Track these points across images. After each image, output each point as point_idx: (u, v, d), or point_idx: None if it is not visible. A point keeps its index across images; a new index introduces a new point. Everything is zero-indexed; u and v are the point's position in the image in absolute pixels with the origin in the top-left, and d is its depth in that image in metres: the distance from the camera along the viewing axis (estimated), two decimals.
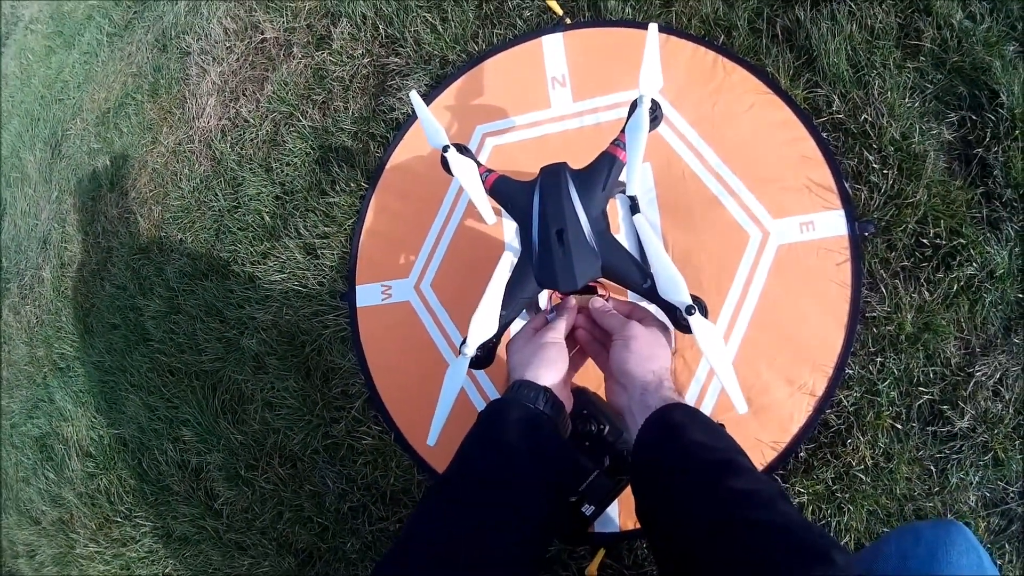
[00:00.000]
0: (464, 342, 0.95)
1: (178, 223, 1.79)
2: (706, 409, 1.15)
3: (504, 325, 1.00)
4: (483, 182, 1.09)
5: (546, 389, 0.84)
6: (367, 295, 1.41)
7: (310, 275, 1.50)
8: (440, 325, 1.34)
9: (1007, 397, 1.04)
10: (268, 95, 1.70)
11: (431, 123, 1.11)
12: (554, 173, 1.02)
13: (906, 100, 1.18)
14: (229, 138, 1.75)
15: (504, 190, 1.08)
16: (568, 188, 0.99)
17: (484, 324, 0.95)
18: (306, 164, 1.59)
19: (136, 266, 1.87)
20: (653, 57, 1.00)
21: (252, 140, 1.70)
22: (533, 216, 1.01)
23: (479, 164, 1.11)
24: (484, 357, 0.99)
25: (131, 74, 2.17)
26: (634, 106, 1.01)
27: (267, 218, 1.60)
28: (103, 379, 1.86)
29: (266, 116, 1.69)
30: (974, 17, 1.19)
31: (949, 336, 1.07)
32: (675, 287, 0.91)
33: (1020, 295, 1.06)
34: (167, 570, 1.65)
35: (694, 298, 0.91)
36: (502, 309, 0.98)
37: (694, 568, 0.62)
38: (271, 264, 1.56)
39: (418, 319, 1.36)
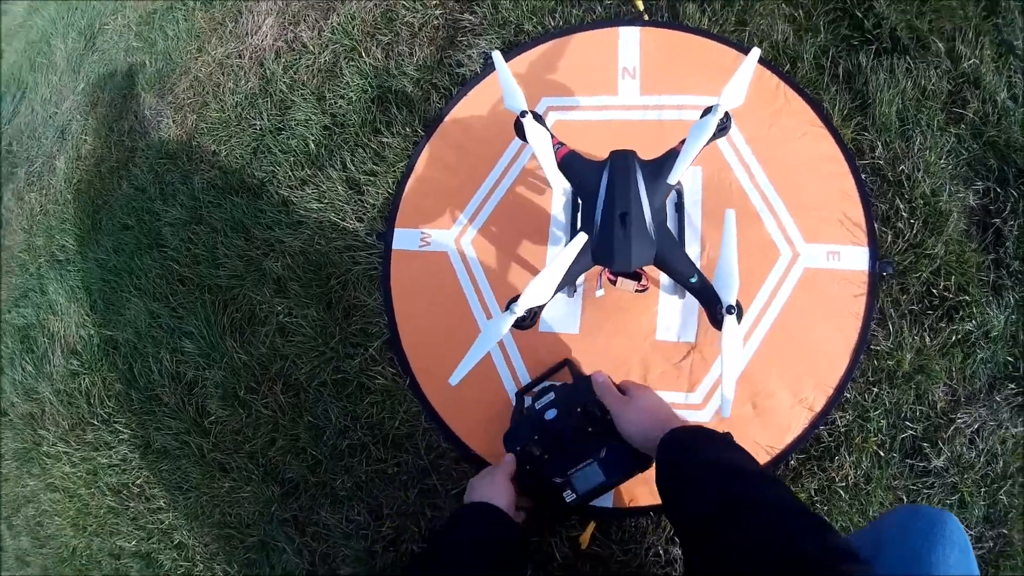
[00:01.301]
0: (515, 300, 0.97)
1: (214, 135, 1.77)
2: (716, 402, 1.21)
3: (553, 295, 1.02)
4: (555, 153, 1.11)
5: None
6: (405, 239, 1.42)
7: (349, 209, 1.50)
8: (475, 281, 1.35)
9: (981, 447, 1.12)
10: (332, 25, 1.69)
11: (512, 86, 1.13)
12: (624, 158, 1.05)
13: (942, 161, 1.26)
14: (283, 60, 1.74)
15: (574, 165, 1.10)
16: (636, 175, 1.03)
17: (540, 291, 0.98)
18: (362, 101, 1.59)
19: (160, 170, 1.84)
20: (745, 77, 1.03)
21: (308, 67, 1.69)
22: (600, 195, 1.03)
23: (552, 135, 1.13)
24: (529, 319, 1.02)
25: None
26: (707, 111, 1.04)
27: (312, 145, 1.59)
28: (105, 278, 1.83)
29: (327, 46, 1.68)
30: (1016, 98, 1.28)
31: (940, 381, 1.15)
32: (729, 285, 0.96)
33: (1010, 358, 1.15)
34: (138, 480, 1.63)
35: (736, 303, 0.95)
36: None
37: (712, 539, 0.73)
38: (309, 191, 1.56)
39: (453, 272, 1.37)
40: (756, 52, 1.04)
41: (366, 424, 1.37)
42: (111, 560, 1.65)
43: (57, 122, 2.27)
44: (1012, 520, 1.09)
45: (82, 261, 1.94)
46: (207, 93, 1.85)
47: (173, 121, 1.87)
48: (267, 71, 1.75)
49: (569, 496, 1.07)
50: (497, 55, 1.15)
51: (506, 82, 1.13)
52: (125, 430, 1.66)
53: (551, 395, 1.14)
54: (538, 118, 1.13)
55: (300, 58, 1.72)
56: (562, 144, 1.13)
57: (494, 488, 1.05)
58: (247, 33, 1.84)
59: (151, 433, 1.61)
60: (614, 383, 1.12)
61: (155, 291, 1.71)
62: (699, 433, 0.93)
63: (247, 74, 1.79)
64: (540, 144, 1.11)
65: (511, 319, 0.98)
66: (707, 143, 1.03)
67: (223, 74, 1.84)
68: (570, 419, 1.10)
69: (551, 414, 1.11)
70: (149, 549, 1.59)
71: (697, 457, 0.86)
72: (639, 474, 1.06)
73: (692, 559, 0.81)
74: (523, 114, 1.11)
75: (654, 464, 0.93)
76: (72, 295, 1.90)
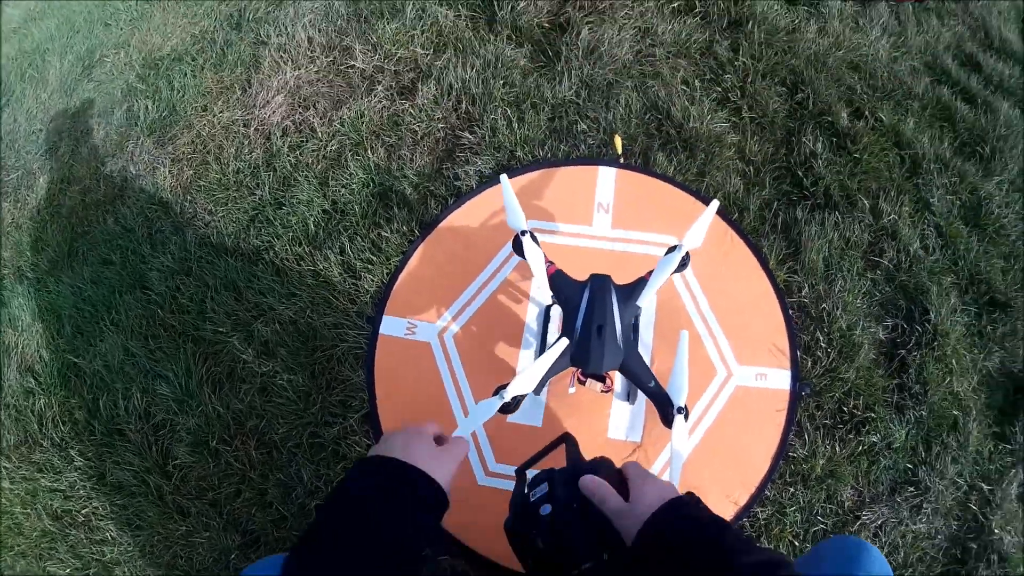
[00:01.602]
0: (504, 387, 1.17)
1: (211, 195, 1.90)
2: None
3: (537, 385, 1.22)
4: (545, 269, 1.34)
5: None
6: (392, 326, 1.60)
7: (343, 290, 1.66)
8: (453, 372, 1.54)
9: (883, 540, 1.35)
10: (342, 117, 1.87)
11: (515, 207, 1.34)
12: (603, 280, 1.28)
13: (858, 301, 1.56)
14: (290, 139, 1.90)
15: (560, 281, 1.33)
16: (611, 295, 1.26)
17: (527, 381, 1.18)
18: (363, 194, 1.77)
19: (151, 215, 1.94)
20: (705, 224, 1.29)
21: (314, 151, 1.86)
22: (581, 308, 1.26)
23: (544, 254, 1.35)
24: (513, 406, 1.21)
25: (193, 34, 2.28)
26: (671, 249, 1.30)
27: (312, 225, 1.75)
28: (80, 306, 1.88)
29: (334, 135, 1.86)
30: (928, 249, 1.61)
31: (847, 484, 1.40)
32: (681, 391, 1.20)
33: (909, 465, 1.40)
34: (84, 510, 1.64)
35: (684, 406, 1.20)
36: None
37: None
38: (306, 267, 1.70)
39: (434, 361, 1.55)
40: (715, 204, 1.30)
41: None
42: None
43: (42, 140, 2.32)
44: None
45: (54, 284, 1.98)
46: (208, 153, 1.97)
47: (170, 172, 1.98)
48: (273, 146, 1.90)
49: (545, 509, 0.98)
50: (505, 180, 1.37)
51: (510, 204, 1.34)
52: (79, 458, 1.69)
53: (544, 487, 1.00)
54: (534, 238, 1.35)
55: (307, 141, 1.88)
56: (552, 263, 1.35)
57: (439, 463, 0.86)
58: (256, 105, 1.99)
59: (108, 466, 1.65)
60: (615, 469, 0.99)
61: (134, 329, 1.78)
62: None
63: (252, 144, 1.94)
64: (535, 260, 1.32)
65: (499, 403, 1.16)
66: (670, 275, 1.28)
67: (227, 138, 1.98)
68: (567, 515, 0.95)
69: (546, 510, 0.98)
70: None
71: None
72: None
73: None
74: (523, 233, 1.33)
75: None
76: (39, 315, 1.94)
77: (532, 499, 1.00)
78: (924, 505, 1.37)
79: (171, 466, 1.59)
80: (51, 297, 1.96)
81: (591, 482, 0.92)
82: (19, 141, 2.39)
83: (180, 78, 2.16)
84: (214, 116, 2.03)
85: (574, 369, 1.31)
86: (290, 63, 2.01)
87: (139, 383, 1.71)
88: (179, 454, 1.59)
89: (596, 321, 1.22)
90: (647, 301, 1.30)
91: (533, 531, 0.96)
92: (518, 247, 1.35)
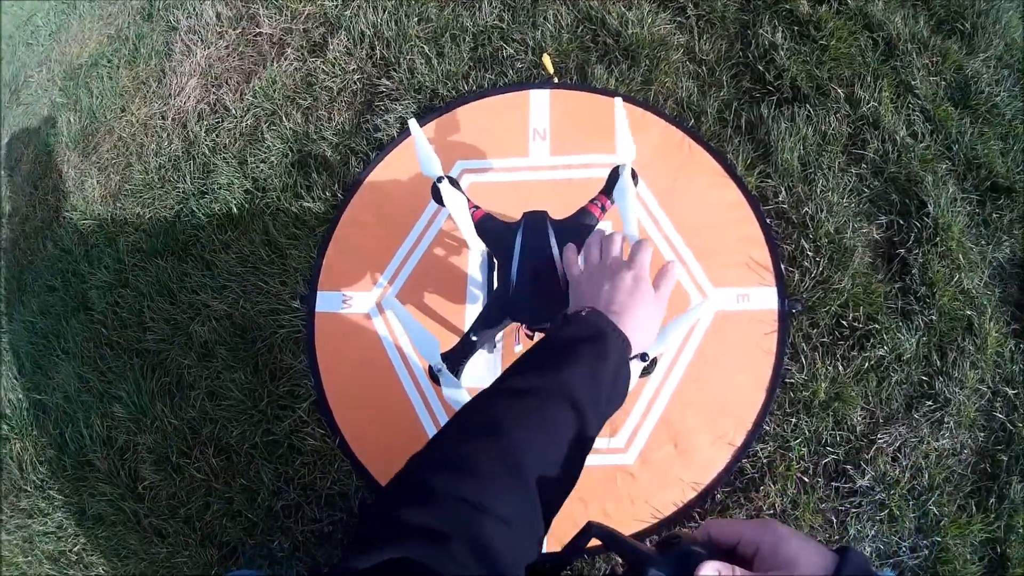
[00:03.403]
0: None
1: (138, 197, 1.78)
2: (638, 444, 1.28)
3: (474, 349, 1.07)
4: (471, 216, 1.17)
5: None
6: (328, 301, 1.47)
7: (273, 272, 1.54)
8: (396, 342, 1.41)
9: (904, 463, 1.21)
10: (254, 88, 1.73)
11: (428, 153, 1.18)
12: (537, 219, 1.10)
13: (844, 200, 1.37)
14: (205, 123, 1.77)
15: (489, 227, 1.16)
16: (549, 235, 1.08)
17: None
18: (283, 165, 1.63)
19: (85, 231, 1.84)
20: (623, 129, 1.11)
21: (230, 130, 1.72)
22: (515, 255, 1.09)
23: (468, 199, 1.19)
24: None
25: (109, 35, 2.15)
26: (614, 172, 1.12)
27: (235, 209, 1.62)
28: (32, 340, 1.82)
29: (248, 109, 1.72)
30: (916, 135, 1.41)
31: (857, 406, 1.25)
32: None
33: (924, 377, 1.25)
34: (75, 548, 1.61)
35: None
36: (472, 334, 1.06)
37: None
38: (232, 255, 1.58)
39: (375, 332, 1.42)
40: (618, 100, 1.11)
41: (299, 485, 1.40)
42: None
43: None
44: (945, 527, 1.18)
45: (8, 323, 1.91)
46: (131, 154, 1.86)
47: (97, 181, 1.87)
48: (190, 133, 1.77)
49: None
50: (413, 123, 1.20)
51: (422, 149, 1.18)
52: (59, 496, 1.64)
53: None
54: (454, 182, 1.18)
55: (222, 120, 1.75)
56: (477, 207, 1.18)
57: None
58: (171, 94, 1.86)
59: (85, 499, 1.60)
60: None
61: (83, 355, 1.70)
62: None
63: (170, 136, 1.81)
64: (457, 208, 1.16)
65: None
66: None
67: (147, 135, 1.85)
68: None
69: None
70: None
71: None
72: None
73: None
74: (439, 179, 1.16)
75: None
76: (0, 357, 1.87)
77: None
78: (945, 419, 1.23)
79: (141, 488, 1.54)
80: (7, 336, 1.90)
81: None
82: None
83: (98, 82, 2.04)
84: (132, 115, 1.90)
85: (518, 324, 1.15)
86: (200, 44, 1.87)
87: (96, 409, 1.64)
88: (146, 475, 1.53)
89: (530, 266, 1.05)
90: (635, 232, 1.12)
91: None
92: (437, 196, 1.18)
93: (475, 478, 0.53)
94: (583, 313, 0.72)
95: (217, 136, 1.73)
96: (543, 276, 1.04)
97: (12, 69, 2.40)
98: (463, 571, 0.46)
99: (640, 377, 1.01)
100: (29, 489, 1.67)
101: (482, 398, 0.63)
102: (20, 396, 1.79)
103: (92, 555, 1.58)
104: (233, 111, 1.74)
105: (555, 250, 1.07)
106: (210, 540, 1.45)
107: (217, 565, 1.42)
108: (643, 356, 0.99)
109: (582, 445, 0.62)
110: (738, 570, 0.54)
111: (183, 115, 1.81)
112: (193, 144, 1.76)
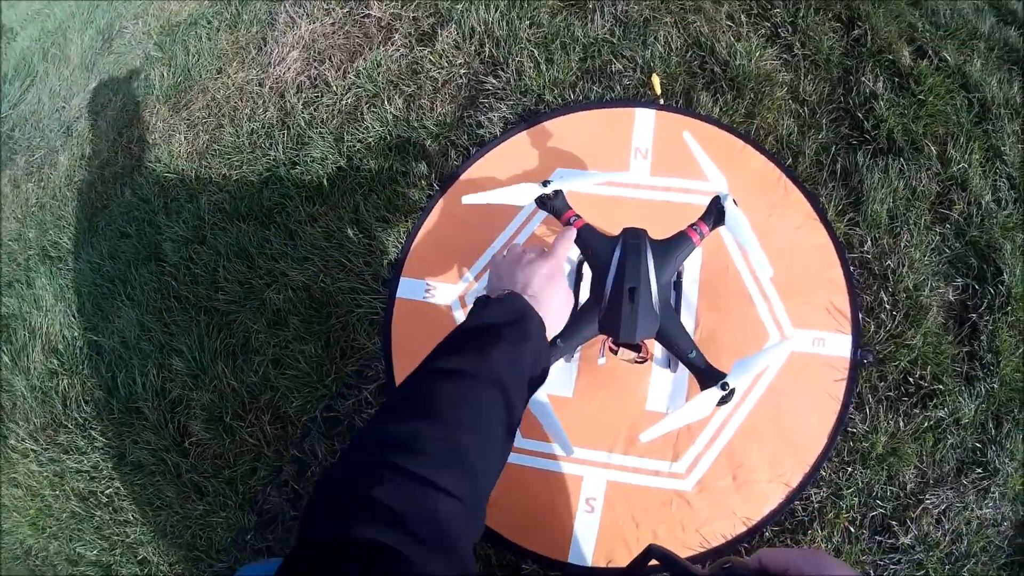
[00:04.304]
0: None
1: (225, 158, 1.80)
2: (698, 472, 1.27)
3: (558, 356, 1.06)
4: (571, 224, 1.17)
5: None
6: (410, 288, 1.47)
7: (358, 251, 1.54)
8: None
9: (946, 527, 1.19)
10: (357, 69, 1.75)
11: (514, 194, 1.18)
12: (636, 236, 1.10)
13: (926, 257, 1.36)
14: (304, 96, 1.78)
15: (588, 237, 1.16)
16: (647, 252, 1.08)
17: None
18: (380, 148, 1.64)
19: (167, 184, 1.86)
20: (705, 161, 1.13)
21: (328, 106, 1.74)
22: (611, 268, 1.09)
23: (570, 207, 1.19)
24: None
25: None
26: (715, 200, 1.12)
27: (326, 184, 1.63)
28: (97, 282, 1.83)
29: (350, 88, 1.73)
30: (1000, 202, 1.40)
31: (910, 464, 1.23)
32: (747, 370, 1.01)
33: (978, 444, 1.23)
34: (107, 490, 1.61)
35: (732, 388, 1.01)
36: (560, 340, 1.06)
37: None
38: (318, 229, 1.59)
39: (454, 325, 1.41)
40: (687, 134, 1.14)
41: None
42: (68, 566, 1.62)
43: (64, 117, 2.27)
44: None
45: (74, 261, 1.93)
46: (223, 115, 1.88)
47: (185, 138, 1.90)
48: (287, 103, 1.79)
49: None
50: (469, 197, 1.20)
51: (507, 198, 1.18)
52: (100, 438, 1.64)
53: None
54: (558, 194, 1.18)
55: (322, 96, 1.76)
56: (579, 216, 1.18)
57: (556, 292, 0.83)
58: (270, 63, 1.88)
59: (127, 445, 1.60)
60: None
61: (148, 303, 1.71)
62: None
63: (266, 103, 1.83)
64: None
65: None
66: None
67: (242, 99, 1.87)
68: None
69: None
70: (110, 560, 1.56)
71: None
72: None
73: None
74: (546, 183, 1.16)
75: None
76: (60, 294, 1.89)
77: None
78: (992, 488, 1.21)
79: (187, 443, 1.53)
80: (71, 275, 1.91)
81: None
82: (43, 120, 2.35)
83: (196, 42, 2.07)
84: (228, 78, 1.93)
85: (604, 336, 1.14)
86: (305, 17, 1.90)
87: (154, 359, 1.64)
88: (195, 431, 1.53)
89: (628, 283, 1.05)
90: (763, 264, 1.12)
91: None
92: (542, 201, 1.18)
93: (423, 455, 0.55)
94: (503, 296, 0.78)
95: (315, 110, 1.75)
96: (637, 293, 1.04)
97: (107, 18, 2.44)
98: (424, 552, 0.48)
99: (716, 406, 1.01)
100: (69, 426, 1.68)
101: (414, 379, 0.66)
102: (76, 334, 1.80)
103: (124, 500, 1.58)
104: (334, 88, 1.75)
105: (651, 269, 1.08)
106: (251, 505, 1.44)
107: (254, 531, 1.42)
108: (723, 385, 0.99)
109: (510, 426, 0.66)
110: None
111: (281, 85, 1.83)
112: (289, 115, 1.77)
